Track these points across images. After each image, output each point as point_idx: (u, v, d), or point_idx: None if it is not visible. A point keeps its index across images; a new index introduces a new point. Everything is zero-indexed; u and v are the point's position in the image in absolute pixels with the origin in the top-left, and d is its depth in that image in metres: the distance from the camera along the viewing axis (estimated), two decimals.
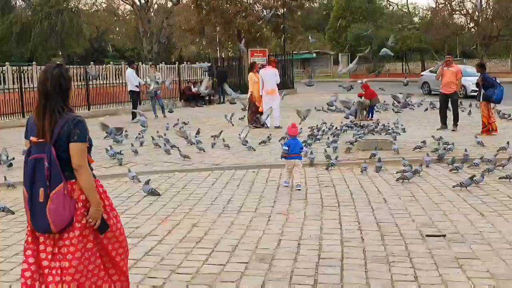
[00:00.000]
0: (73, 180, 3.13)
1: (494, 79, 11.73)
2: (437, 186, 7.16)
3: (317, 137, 11.16)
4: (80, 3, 48.47)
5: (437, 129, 12.38)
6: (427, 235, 5.11)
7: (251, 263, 4.52)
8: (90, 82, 18.97)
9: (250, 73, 14.22)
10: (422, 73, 29.71)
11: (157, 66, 22.10)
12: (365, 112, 14.87)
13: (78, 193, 3.15)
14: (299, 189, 7.10)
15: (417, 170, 7.68)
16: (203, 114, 18.83)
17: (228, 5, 33.76)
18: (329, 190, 7.10)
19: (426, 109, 17.22)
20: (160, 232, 5.44)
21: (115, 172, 8.60)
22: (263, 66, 16.33)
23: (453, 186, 6.98)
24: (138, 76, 18.23)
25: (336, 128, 12.39)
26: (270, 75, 13.50)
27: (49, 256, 3.13)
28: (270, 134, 11.55)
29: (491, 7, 45.19)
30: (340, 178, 7.83)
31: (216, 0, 33.11)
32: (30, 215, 3.13)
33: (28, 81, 17.40)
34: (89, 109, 18.83)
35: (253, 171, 8.49)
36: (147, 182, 7.14)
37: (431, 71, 25.72)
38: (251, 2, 35.27)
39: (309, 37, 32.42)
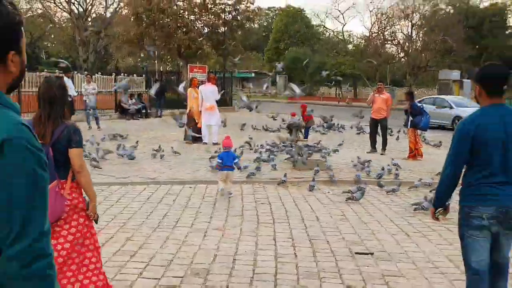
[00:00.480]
0: (64, 180, 3.48)
1: (421, 107, 12.41)
2: (366, 206, 7.48)
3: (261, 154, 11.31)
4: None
5: (367, 152, 12.89)
6: (356, 253, 5.34)
7: (186, 278, 4.55)
8: (23, 90, 18.30)
9: (190, 89, 14.27)
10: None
11: (93, 76, 21.66)
12: (300, 133, 15.23)
13: (67, 192, 3.48)
14: (231, 196, 7.66)
15: (364, 189, 7.81)
16: (138, 127, 18.61)
17: (169, 20, 33.67)
18: (265, 207, 7.24)
19: (358, 133, 17.88)
20: None
21: None
22: (202, 82, 16.45)
23: (414, 209, 7.21)
24: (74, 85, 17.80)
25: (274, 146, 12.63)
26: (209, 92, 13.62)
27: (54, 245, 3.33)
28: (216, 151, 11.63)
29: (420, 39, 47.72)
30: (275, 196, 8.00)
31: (156, 14, 32.96)
32: None
33: None
34: None
35: (190, 187, 8.52)
36: None
37: None
38: (192, 18, 35.36)
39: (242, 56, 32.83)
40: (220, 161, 7.75)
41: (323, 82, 49.58)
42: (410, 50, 46.66)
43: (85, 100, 17.17)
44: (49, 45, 62.47)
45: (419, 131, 12.62)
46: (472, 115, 3.44)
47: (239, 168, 8.51)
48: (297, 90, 12.46)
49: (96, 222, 3.68)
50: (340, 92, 54.95)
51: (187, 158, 11.17)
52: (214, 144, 13.56)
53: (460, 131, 3.40)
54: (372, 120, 13.09)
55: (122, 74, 24.90)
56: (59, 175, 3.46)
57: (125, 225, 6.15)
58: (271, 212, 6.97)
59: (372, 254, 5.34)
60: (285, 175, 8.91)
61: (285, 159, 10.84)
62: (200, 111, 13.95)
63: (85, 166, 3.56)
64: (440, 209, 3.63)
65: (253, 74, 57.35)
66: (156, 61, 40.89)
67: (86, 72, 21.24)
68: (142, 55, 44.57)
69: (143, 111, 22.53)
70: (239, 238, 5.76)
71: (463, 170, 3.47)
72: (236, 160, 7.99)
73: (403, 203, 7.75)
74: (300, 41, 60.37)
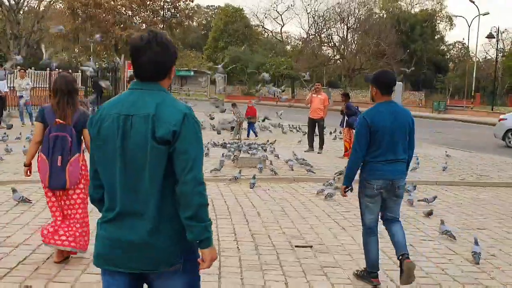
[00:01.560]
0: (80, 153, 4.57)
1: (356, 108, 12.91)
2: (304, 202, 7.75)
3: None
4: None
5: (304, 151, 13.24)
6: (296, 246, 5.57)
7: None
8: None
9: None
10: (503, 116, 18.58)
11: (26, 71, 20.86)
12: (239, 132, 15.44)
13: (82, 163, 4.59)
14: None
15: (336, 186, 8.13)
16: None
17: (105, 15, 33.08)
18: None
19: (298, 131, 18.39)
20: (34, 241, 5.29)
21: None
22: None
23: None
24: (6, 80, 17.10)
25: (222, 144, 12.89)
26: None
27: (66, 204, 4.62)
28: None
29: (355, 42, 49.25)
30: (217, 193, 8.13)
31: (93, 8, 32.31)
32: (48, 176, 4.43)
33: None
34: None
35: None
36: (15, 190, 6.84)
37: None
38: (130, 14, 34.85)
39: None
40: None
41: (261, 82, 50.12)
42: (346, 53, 48.05)
43: (20, 96, 16.54)
44: None
45: (354, 131, 13.09)
46: (369, 110, 4.44)
47: None
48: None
49: None
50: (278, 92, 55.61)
51: None
52: None
53: (361, 123, 4.40)
54: (310, 120, 13.46)
55: (57, 70, 24.03)
56: (78, 150, 4.53)
57: None
58: (214, 209, 7.09)
59: (311, 247, 5.58)
60: (239, 172, 9.11)
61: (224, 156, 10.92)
62: None
63: None
64: (350, 186, 4.56)
65: (192, 73, 57.08)
66: (91, 57, 39.89)
67: (19, 67, 20.49)
68: (76, 50, 43.38)
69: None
70: None
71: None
72: None
73: (341, 199, 8.08)
74: (239, 40, 60.71)
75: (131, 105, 2.28)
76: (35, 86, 18.84)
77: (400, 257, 4.39)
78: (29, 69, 22.96)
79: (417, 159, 11.31)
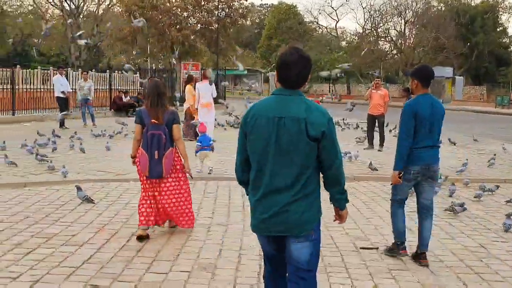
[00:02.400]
0: (173, 147, 5.47)
1: None
2: (366, 202, 7.51)
3: None
4: (5, 4, 46.32)
5: (364, 149, 12.90)
6: (361, 248, 5.37)
7: (194, 272, 4.55)
8: (16, 86, 18.18)
9: (188, 86, 14.20)
10: None
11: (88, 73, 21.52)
12: None
13: (174, 155, 5.50)
14: (211, 172, 9.03)
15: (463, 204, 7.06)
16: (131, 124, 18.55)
17: (162, 17, 33.59)
18: None
19: (356, 128, 17.95)
20: (98, 240, 5.35)
21: (45, 179, 8.33)
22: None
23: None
24: (68, 82, 17.68)
25: None
26: (205, 89, 13.56)
27: (161, 191, 5.47)
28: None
29: (413, 36, 47.89)
30: None
31: (149, 10, 32.86)
32: (148, 168, 5.31)
33: None
34: (13, 114, 18.01)
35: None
36: (79, 188, 6.97)
37: None
38: (185, 15, 35.25)
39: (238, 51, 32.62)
40: (199, 143, 8.91)
41: (316, 79, 49.59)
42: (403, 47, 46.84)
43: (82, 97, 17.04)
44: (39, 42, 61.99)
45: None
46: (412, 100, 4.90)
47: (212, 149, 9.18)
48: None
49: (192, 177, 5.79)
50: (333, 89, 55.00)
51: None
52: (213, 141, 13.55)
53: (406, 112, 4.82)
54: (370, 117, 13.10)
55: (116, 71, 24.74)
56: (171, 144, 5.41)
57: (128, 221, 6.13)
58: None
59: (377, 249, 5.36)
60: None
61: None
62: (197, 109, 13.94)
63: (182, 136, 5.65)
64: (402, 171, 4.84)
65: (245, 72, 57.29)
66: (148, 59, 40.67)
67: (80, 70, 21.13)
68: (134, 52, 44.41)
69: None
70: (243, 233, 5.77)
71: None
72: (211, 142, 9.10)
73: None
74: (293, 38, 60.36)
75: (282, 108, 2.91)
76: (96, 87, 19.31)
77: (420, 253, 4.94)
78: (89, 71, 23.69)
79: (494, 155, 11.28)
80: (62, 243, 5.23)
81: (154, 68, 34.03)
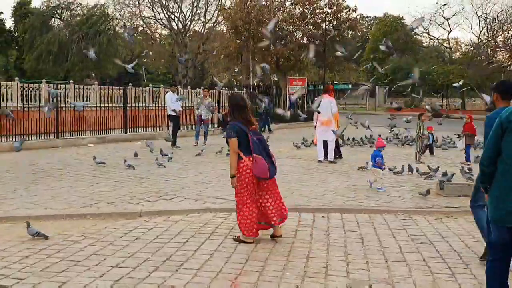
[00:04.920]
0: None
1: None
2: None
3: None
4: (118, 25, 48.49)
5: None
6: None
7: None
8: (129, 105, 18.10)
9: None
10: None
11: (209, 91, 20.78)
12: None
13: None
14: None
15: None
16: None
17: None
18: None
19: None
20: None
21: (162, 207, 7.46)
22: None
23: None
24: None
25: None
26: (326, 105, 12.32)
27: (269, 190, 5.84)
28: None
29: None
30: (432, 232, 6.52)
31: (255, 26, 32.37)
32: (269, 170, 5.61)
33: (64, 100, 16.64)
34: (126, 132, 17.91)
35: (323, 216, 7.26)
36: (29, 224, 5.92)
37: None
38: (291, 29, 34.41)
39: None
40: (379, 158, 9.05)
41: (426, 93, 46.59)
42: None
43: (201, 115, 16.41)
44: (148, 61, 64.46)
45: None
46: (493, 113, 5.01)
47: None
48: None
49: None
50: (447, 103, 51.54)
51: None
52: (330, 162, 12.27)
53: (486, 124, 4.97)
54: None
55: (224, 88, 24.19)
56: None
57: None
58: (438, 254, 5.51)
59: None
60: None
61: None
62: (315, 126, 12.77)
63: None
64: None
65: (350, 85, 55.52)
66: (250, 76, 40.30)
67: (202, 87, 20.87)
68: (236, 69, 44.39)
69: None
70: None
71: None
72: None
73: None
74: (400, 50, 57.58)
75: None
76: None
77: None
78: (200, 88, 23.39)
79: None
80: None
81: (256, 84, 33.47)
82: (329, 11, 34.05)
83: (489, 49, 45.18)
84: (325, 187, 9.15)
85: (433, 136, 14.83)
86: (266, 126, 22.63)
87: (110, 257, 5.20)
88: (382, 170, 9.25)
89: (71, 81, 19.66)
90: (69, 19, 46.15)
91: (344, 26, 34.25)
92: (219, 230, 6.27)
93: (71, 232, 6.13)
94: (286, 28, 34.30)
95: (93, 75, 43.54)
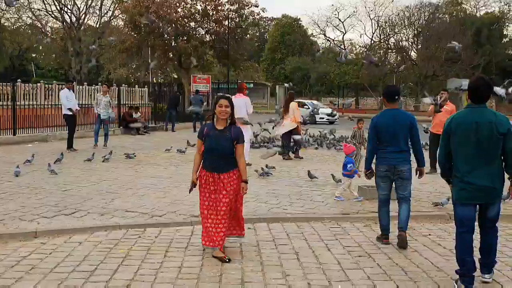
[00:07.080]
0: None
1: None
2: None
3: None
4: (3, 18, 44.61)
5: (426, 173, 10.95)
6: None
7: None
8: (18, 103, 16.25)
9: (294, 103, 12.55)
10: None
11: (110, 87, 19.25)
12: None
13: None
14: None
15: None
16: (148, 143, 16.65)
17: (167, 28, 31.72)
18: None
19: None
20: None
21: (59, 226, 6.37)
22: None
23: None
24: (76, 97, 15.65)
25: None
26: (240, 104, 11.64)
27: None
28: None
29: (427, 48, 46.31)
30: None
31: (156, 21, 31.01)
32: None
33: None
34: (14, 134, 16.03)
35: (249, 228, 6.58)
36: None
37: None
38: (193, 26, 33.48)
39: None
40: (351, 165, 8.38)
41: (325, 93, 47.84)
42: (417, 59, 45.21)
43: (100, 114, 14.96)
44: (37, 57, 60.23)
45: None
46: (377, 115, 6.00)
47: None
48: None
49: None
50: (343, 103, 53.38)
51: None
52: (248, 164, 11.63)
53: (370, 126, 5.95)
54: (433, 136, 11.19)
55: (114, 85, 22.58)
56: None
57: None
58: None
59: None
60: None
61: None
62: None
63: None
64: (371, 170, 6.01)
65: (251, 85, 55.67)
66: (150, 73, 38.79)
67: (86, 83, 19.21)
68: (134, 66, 42.51)
69: (149, 125, 20.68)
70: None
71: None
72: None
73: None
74: (297, 51, 58.69)
75: (478, 117, 4.43)
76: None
77: (399, 229, 5.79)
78: (97, 85, 21.80)
79: None
80: None
81: (159, 81, 32.14)
82: (232, 8, 33.58)
83: (381, 51, 47.20)
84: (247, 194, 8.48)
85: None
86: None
87: None
88: (352, 178, 8.41)
89: None
90: None
91: (247, 21, 33.94)
92: (133, 253, 5.35)
93: None
94: (188, 24, 33.30)
95: None
